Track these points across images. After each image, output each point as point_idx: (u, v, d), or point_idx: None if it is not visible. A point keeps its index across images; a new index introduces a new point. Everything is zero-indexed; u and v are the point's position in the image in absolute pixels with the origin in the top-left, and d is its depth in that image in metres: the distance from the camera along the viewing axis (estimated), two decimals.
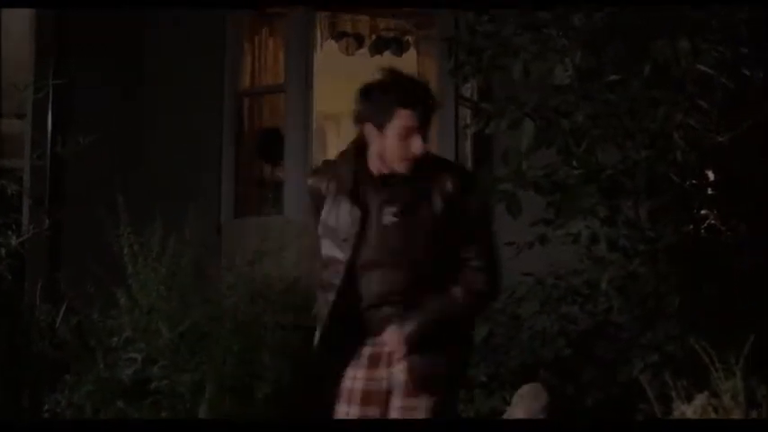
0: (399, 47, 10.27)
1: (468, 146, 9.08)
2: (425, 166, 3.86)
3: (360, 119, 3.96)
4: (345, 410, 3.89)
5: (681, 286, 5.72)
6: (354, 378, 3.91)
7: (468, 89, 9.11)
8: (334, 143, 12.94)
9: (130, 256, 6.84)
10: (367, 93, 3.97)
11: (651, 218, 5.97)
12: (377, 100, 3.90)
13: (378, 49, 10.30)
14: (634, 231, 5.86)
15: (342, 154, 4.08)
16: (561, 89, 5.95)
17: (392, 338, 3.80)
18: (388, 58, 10.32)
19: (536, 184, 6.05)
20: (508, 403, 5.88)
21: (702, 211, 5.80)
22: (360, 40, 10.29)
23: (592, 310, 6.18)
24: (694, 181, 5.76)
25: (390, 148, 3.84)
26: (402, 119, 3.80)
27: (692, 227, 5.79)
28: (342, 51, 10.32)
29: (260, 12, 9.29)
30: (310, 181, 4.10)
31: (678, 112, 5.60)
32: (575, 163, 5.92)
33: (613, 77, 5.55)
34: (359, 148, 3.97)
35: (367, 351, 3.91)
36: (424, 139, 3.83)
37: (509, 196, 5.99)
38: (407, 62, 10.22)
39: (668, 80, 5.57)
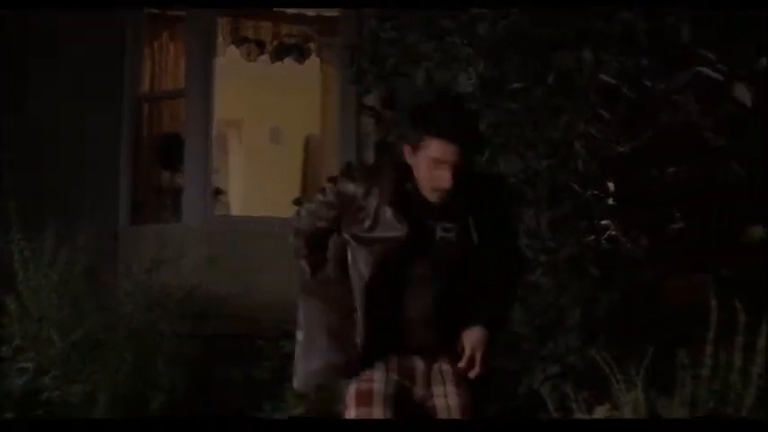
0: (301, 54, 10.19)
1: (370, 155, 9.03)
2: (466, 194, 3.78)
3: (399, 136, 3.90)
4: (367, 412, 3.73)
5: (582, 297, 5.70)
6: (372, 380, 3.79)
7: (371, 98, 9.12)
8: (236, 149, 12.83)
9: (21, 262, 6.66)
10: (411, 112, 3.92)
11: (552, 228, 5.95)
12: (413, 122, 3.80)
13: (279, 55, 10.22)
14: (535, 241, 5.83)
15: (380, 164, 4.01)
16: (464, 97, 5.90)
17: (475, 338, 3.77)
18: (289, 66, 10.27)
19: None
20: None
21: (603, 222, 5.79)
22: (261, 46, 10.18)
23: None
24: (595, 191, 5.74)
25: (419, 174, 3.76)
26: (430, 148, 3.69)
27: (592, 237, 5.78)
28: (243, 57, 10.20)
29: (161, 12, 9.13)
30: (343, 184, 3.86)
31: (580, 121, 5.59)
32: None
33: (516, 86, 5.51)
34: (401, 163, 3.83)
35: (395, 361, 3.85)
36: (456, 172, 3.69)
37: None
38: (310, 69, 10.16)
39: (571, 90, 5.56)
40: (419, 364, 3.83)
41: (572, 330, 5.78)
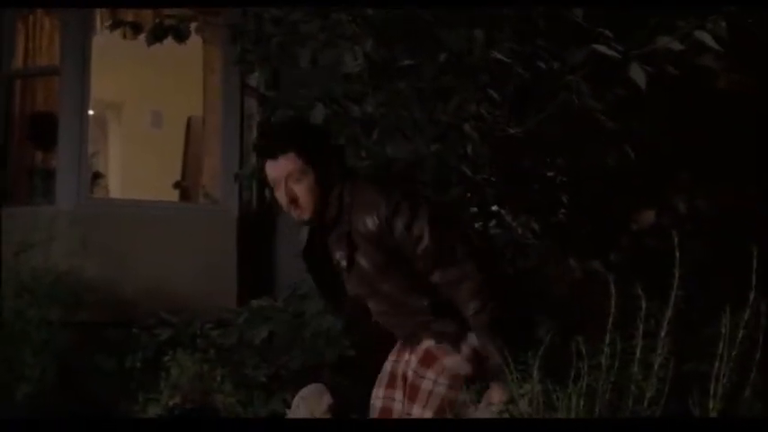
0: (180, 34, 9.83)
1: (253, 138, 8.80)
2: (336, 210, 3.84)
3: None
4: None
5: None
6: (376, 397, 4.05)
7: (255, 79, 8.88)
8: (116, 132, 12.48)
9: None
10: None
11: None
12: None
13: (156, 36, 9.82)
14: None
15: None
16: (351, 78, 5.68)
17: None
18: (171, 46, 9.93)
19: None
20: (288, 405, 5.58)
21: (493, 207, 5.60)
22: (138, 28, 9.80)
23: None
24: (486, 176, 5.55)
25: None
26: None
27: (481, 223, 5.59)
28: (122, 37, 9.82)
29: None
30: None
31: (470, 103, 5.39)
32: (363, 154, 5.66)
33: (405, 63, 5.29)
34: None
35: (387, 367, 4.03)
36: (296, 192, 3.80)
37: None
38: (193, 50, 9.84)
39: (462, 70, 5.36)
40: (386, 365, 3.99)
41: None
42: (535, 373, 2.85)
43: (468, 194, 5.63)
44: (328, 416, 5.21)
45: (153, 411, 6.13)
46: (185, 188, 10.43)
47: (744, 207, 5.92)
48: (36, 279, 6.77)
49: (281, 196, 3.83)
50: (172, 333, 6.41)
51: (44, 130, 8.87)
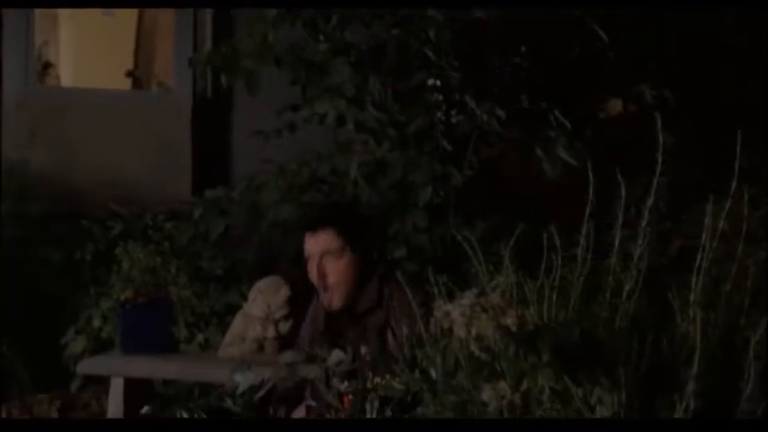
0: None
1: (208, 21, 8.50)
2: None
3: None
4: None
5: (432, 173, 5.33)
6: None
7: None
8: (67, 21, 12.06)
9: None
10: None
11: (401, 100, 5.55)
12: None
13: None
14: (383, 114, 5.44)
15: None
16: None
17: None
18: None
19: (278, 59, 5.57)
20: (245, 298, 5.42)
21: (456, 94, 5.40)
22: None
23: (338, 199, 5.74)
24: (449, 61, 5.34)
25: None
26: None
27: (444, 110, 5.40)
28: None
29: None
30: None
31: None
32: (322, 38, 5.43)
33: None
34: None
35: None
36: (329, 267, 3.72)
37: (248, 73, 5.55)
38: None
39: None
40: None
41: (420, 210, 5.42)
42: (506, 263, 2.67)
43: (431, 80, 5.42)
44: (286, 309, 5.06)
45: (105, 306, 5.97)
46: (137, 77, 10.12)
47: (716, 92, 5.76)
48: None
49: (312, 273, 3.75)
50: (123, 225, 6.20)
51: None
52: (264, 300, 5.10)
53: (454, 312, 2.33)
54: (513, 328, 2.33)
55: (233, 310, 5.65)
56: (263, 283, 5.20)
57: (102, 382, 5.59)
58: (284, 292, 5.10)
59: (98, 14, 11.64)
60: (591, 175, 2.73)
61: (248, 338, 5.17)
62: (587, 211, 2.74)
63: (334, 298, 3.71)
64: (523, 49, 5.46)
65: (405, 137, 5.49)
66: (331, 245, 3.68)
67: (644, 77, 5.57)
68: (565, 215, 3.37)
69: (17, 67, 8.08)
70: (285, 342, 5.10)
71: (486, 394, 2.37)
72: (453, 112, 5.45)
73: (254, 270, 5.93)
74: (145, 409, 2.90)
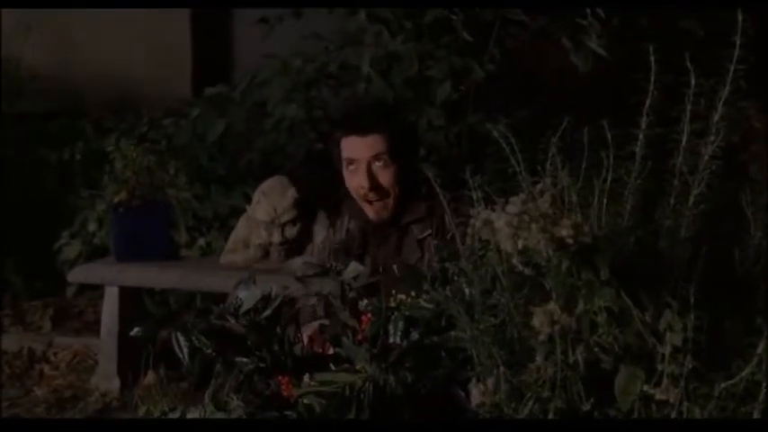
0: None
1: None
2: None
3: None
4: None
5: (451, 67, 4.93)
6: None
7: None
8: None
9: None
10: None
11: None
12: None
13: None
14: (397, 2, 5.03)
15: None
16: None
17: None
18: None
19: None
20: (249, 200, 5.07)
21: None
22: None
23: (347, 95, 5.34)
24: None
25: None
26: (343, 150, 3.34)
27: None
28: None
29: None
30: None
31: None
32: None
33: None
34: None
35: None
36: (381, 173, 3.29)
37: None
38: None
39: None
40: None
41: (437, 106, 5.04)
42: (556, 161, 2.29)
43: None
44: (293, 212, 4.71)
45: (100, 208, 5.64)
46: None
47: None
48: None
49: (357, 180, 3.28)
50: (117, 122, 5.84)
51: None
52: (270, 202, 4.73)
53: (499, 222, 1.96)
54: (570, 241, 1.95)
55: (236, 213, 5.34)
56: (267, 185, 4.83)
57: (99, 288, 5.28)
58: (291, 194, 4.73)
59: None
60: (652, 60, 2.33)
61: (252, 244, 4.83)
62: (647, 102, 2.35)
63: (383, 207, 3.30)
64: None
65: (420, 28, 5.08)
66: (382, 149, 3.25)
67: None
68: (600, 110, 3.00)
69: None
70: (292, 248, 4.76)
71: (538, 319, 2.00)
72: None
73: (259, 171, 5.57)
74: (135, 331, 2.55)
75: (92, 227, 5.78)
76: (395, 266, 2.69)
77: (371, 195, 3.27)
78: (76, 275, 5.15)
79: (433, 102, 5.00)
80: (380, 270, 2.95)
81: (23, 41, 6.74)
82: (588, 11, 4.74)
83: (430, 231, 3.26)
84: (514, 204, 1.97)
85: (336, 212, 3.55)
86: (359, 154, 3.27)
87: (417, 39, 5.10)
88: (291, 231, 4.73)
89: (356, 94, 5.09)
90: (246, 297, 2.51)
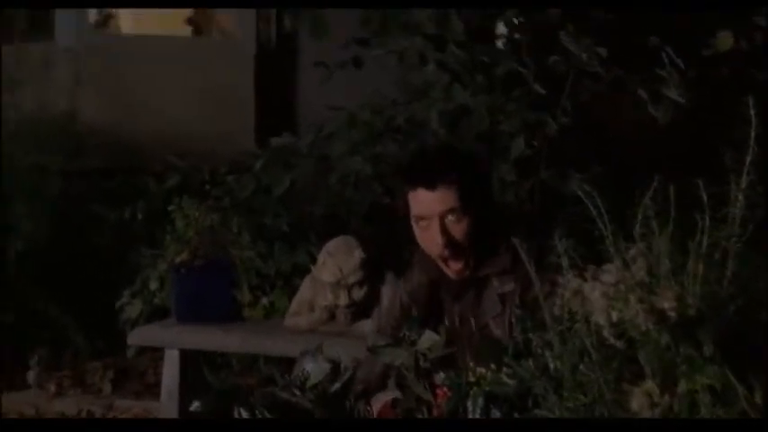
0: None
1: None
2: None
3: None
4: None
5: (523, 119, 4.77)
6: None
7: None
8: None
9: None
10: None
11: (486, 39, 5.01)
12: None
13: None
14: (467, 54, 4.87)
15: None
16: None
17: None
18: None
19: None
20: (313, 259, 4.93)
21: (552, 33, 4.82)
22: None
23: (415, 149, 5.19)
24: None
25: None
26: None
27: (535, 49, 4.82)
28: None
29: None
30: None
31: None
32: None
33: None
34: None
35: None
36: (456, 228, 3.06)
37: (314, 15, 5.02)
38: None
39: None
40: None
41: (508, 161, 4.87)
42: (653, 225, 2.11)
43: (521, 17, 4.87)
44: (360, 274, 4.54)
45: (162, 267, 5.52)
46: (198, 23, 9.70)
47: None
48: (29, 121, 6.07)
49: (430, 237, 3.06)
50: (180, 179, 5.74)
51: None
52: (336, 263, 4.57)
53: (593, 293, 1.77)
54: (671, 314, 1.76)
55: (300, 271, 5.18)
56: (333, 245, 4.67)
57: (160, 348, 5.16)
58: (357, 254, 4.56)
59: None
60: (753, 114, 2.15)
61: (318, 306, 4.66)
62: (747, 159, 2.16)
63: (462, 265, 3.06)
64: None
65: (491, 80, 4.91)
66: (455, 202, 3.02)
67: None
68: (683, 165, 2.83)
69: (71, 15, 7.61)
70: (359, 310, 4.59)
71: (636, 401, 1.81)
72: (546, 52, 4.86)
73: (323, 227, 5.43)
74: (195, 406, 2.39)
75: (153, 285, 5.67)
76: (473, 321, 2.51)
77: (447, 253, 3.03)
78: (136, 338, 5.03)
79: (505, 157, 4.83)
80: (457, 324, 2.78)
81: (82, 97, 6.70)
82: (666, 60, 4.56)
83: (513, 285, 3.01)
84: (610, 273, 1.79)
85: (407, 264, 3.35)
86: (430, 209, 3.03)
87: (488, 92, 4.94)
88: (358, 293, 4.56)
89: (424, 147, 4.94)
90: (314, 370, 2.35)
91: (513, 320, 2.54)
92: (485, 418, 1.99)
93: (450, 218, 3.02)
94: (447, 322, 2.93)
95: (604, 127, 5.04)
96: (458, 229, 3.01)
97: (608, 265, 1.84)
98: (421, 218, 3.05)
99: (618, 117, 5.05)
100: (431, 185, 3.03)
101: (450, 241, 3.01)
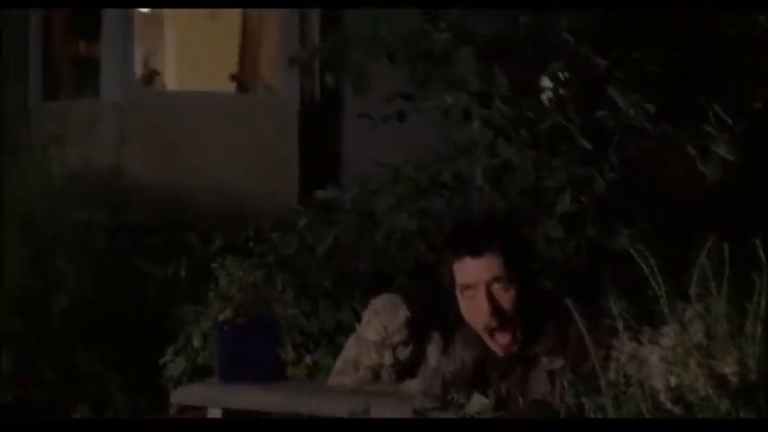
0: None
1: (315, 21, 8.06)
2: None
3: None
4: None
5: (571, 177, 4.71)
6: None
7: None
8: (173, 30, 11.76)
9: None
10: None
11: (532, 94, 4.96)
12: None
13: None
14: (512, 110, 4.83)
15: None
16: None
17: None
18: None
19: (391, 53, 4.99)
20: (357, 316, 4.88)
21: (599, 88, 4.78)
22: None
23: (459, 205, 5.14)
24: (589, 47, 4.71)
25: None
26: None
27: (582, 104, 4.77)
28: None
29: None
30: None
31: None
32: (442, 26, 4.85)
33: None
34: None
35: None
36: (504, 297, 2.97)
37: (356, 69, 4.98)
38: None
39: None
40: None
41: (555, 218, 4.81)
42: (695, 289, 2.05)
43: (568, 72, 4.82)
44: (405, 333, 4.49)
45: (205, 325, 5.49)
46: (242, 80, 9.76)
47: None
48: (73, 178, 6.09)
49: (476, 306, 2.97)
50: (224, 237, 5.72)
51: (88, 17, 8.14)
52: (381, 322, 4.52)
53: (652, 357, 1.71)
54: (733, 379, 1.70)
55: (344, 329, 5.13)
56: (378, 303, 4.63)
57: (203, 408, 5.12)
58: (403, 313, 4.52)
59: (203, 19, 11.37)
60: None
61: (362, 365, 4.61)
62: None
63: (507, 337, 2.97)
64: (672, 33, 4.81)
65: (537, 135, 4.86)
66: (501, 270, 2.95)
67: None
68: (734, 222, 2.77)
69: (116, 67, 7.68)
70: (405, 370, 4.53)
71: None
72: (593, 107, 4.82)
73: (367, 284, 5.38)
74: None
75: (197, 343, 5.64)
76: (521, 399, 2.42)
77: (494, 323, 2.93)
78: (179, 396, 5.00)
79: (551, 213, 4.77)
80: (505, 401, 2.69)
81: (127, 153, 6.72)
82: (711, 116, 4.51)
83: (563, 362, 2.89)
84: (667, 336, 1.73)
85: (449, 340, 3.27)
86: (476, 278, 2.95)
87: (533, 147, 4.89)
88: (404, 353, 4.50)
89: (468, 205, 4.89)
90: None
91: (565, 384, 2.46)
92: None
93: (496, 286, 2.94)
94: None
95: (652, 182, 4.97)
96: (505, 297, 2.93)
97: (665, 327, 1.78)
98: (467, 287, 2.97)
99: (666, 172, 4.99)
100: (476, 253, 2.96)
101: (496, 310, 2.92)
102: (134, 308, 6.09)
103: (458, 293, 3.00)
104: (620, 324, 1.96)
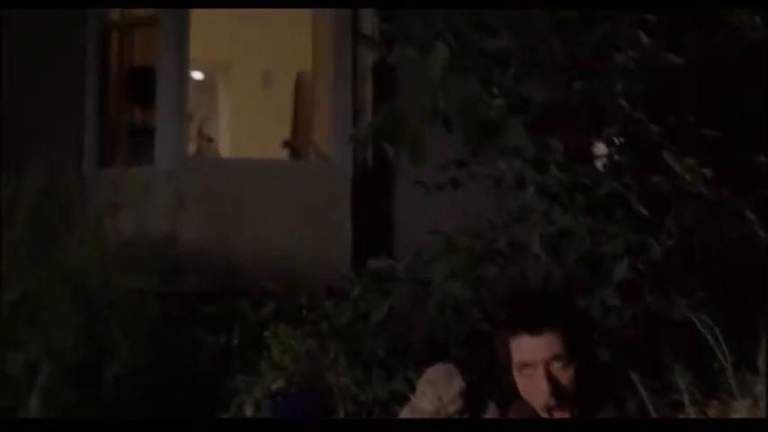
0: None
1: (367, 89, 8.09)
2: None
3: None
4: None
5: (627, 243, 4.66)
6: None
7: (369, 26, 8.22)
8: (227, 96, 11.84)
9: None
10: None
11: (587, 161, 4.93)
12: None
13: None
14: (567, 176, 4.79)
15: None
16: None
17: None
18: None
19: (447, 121, 4.98)
20: (411, 385, 4.83)
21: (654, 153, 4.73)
22: None
23: (515, 273, 5.09)
24: (644, 113, 4.68)
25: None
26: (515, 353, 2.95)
27: (637, 170, 4.73)
28: None
29: None
30: None
31: (624, 27, 4.52)
32: (496, 92, 4.84)
33: None
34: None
35: None
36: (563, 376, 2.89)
37: (413, 141, 4.97)
38: None
39: None
40: None
41: (612, 286, 4.75)
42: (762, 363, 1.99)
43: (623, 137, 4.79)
44: (460, 403, 4.43)
45: (258, 393, 5.46)
46: (295, 147, 9.78)
47: None
48: (127, 245, 6.10)
49: (535, 385, 2.91)
50: (276, 305, 5.71)
51: (143, 86, 8.20)
52: (435, 392, 4.46)
53: None
54: None
55: (398, 398, 5.09)
56: (433, 373, 4.57)
57: None
58: (458, 383, 4.45)
59: (256, 86, 11.47)
60: None
61: None
62: None
63: (568, 416, 2.88)
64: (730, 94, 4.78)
65: (592, 202, 4.82)
66: (560, 349, 2.88)
67: None
68: None
69: (170, 135, 7.74)
70: None
71: None
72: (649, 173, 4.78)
73: (421, 353, 5.34)
74: None
75: (249, 411, 5.61)
76: None
77: (553, 402, 2.86)
78: None
79: (608, 281, 4.71)
80: None
81: (181, 220, 6.74)
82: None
83: None
84: (740, 412, 1.67)
85: (505, 411, 3.20)
86: (534, 356, 2.88)
87: (589, 214, 4.84)
88: None
89: (523, 274, 4.83)
90: None
91: None
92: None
93: (555, 365, 2.87)
94: None
95: (708, 248, 4.90)
96: (564, 376, 2.86)
97: (736, 403, 1.72)
98: (525, 365, 2.90)
99: (721, 237, 4.92)
100: (535, 331, 2.89)
101: (556, 389, 2.85)
102: (187, 375, 6.07)
103: (515, 370, 2.93)
104: (686, 398, 1.91)
